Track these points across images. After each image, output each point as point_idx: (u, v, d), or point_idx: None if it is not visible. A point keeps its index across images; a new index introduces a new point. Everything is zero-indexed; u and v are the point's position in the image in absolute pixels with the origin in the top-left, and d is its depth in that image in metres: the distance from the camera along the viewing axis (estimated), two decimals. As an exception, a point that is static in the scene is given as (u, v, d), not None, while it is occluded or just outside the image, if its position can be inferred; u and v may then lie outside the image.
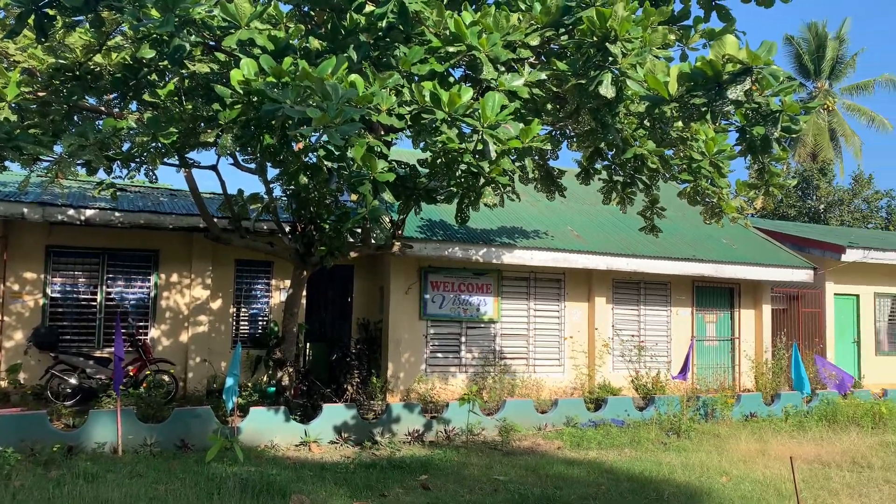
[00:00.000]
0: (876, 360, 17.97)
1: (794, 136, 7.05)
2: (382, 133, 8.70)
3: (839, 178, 37.40)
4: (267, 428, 9.68)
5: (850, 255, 17.00)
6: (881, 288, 18.41)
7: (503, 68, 7.45)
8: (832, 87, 39.17)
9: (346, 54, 7.07)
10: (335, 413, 10.08)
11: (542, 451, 10.03)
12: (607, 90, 6.51)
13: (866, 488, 8.16)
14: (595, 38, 6.59)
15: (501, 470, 8.70)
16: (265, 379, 12.70)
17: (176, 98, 8.57)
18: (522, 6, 7.69)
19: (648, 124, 8.55)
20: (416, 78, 7.21)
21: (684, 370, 13.01)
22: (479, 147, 6.65)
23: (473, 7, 8.36)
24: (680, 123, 8.64)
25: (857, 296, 18.09)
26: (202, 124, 8.09)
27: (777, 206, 33.77)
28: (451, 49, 7.10)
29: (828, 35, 37.98)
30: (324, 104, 5.46)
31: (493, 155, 6.68)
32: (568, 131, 10.73)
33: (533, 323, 14.56)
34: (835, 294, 17.77)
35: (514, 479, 8.23)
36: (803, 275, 16.22)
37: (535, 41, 7.41)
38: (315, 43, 7.72)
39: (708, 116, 6.83)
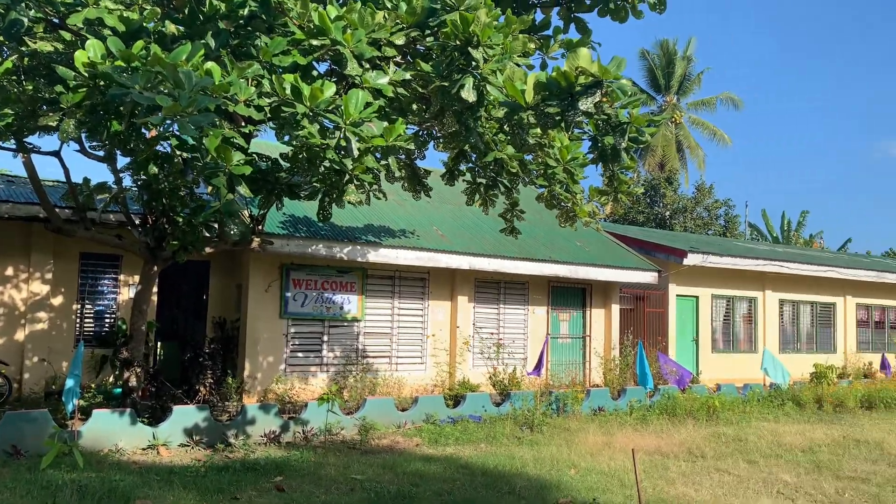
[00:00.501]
0: (712, 357, 19.41)
1: (641, 146, 7.45)
2: (243, 124, 8.42)
3: (684, 187, 40.10)
4: (111, 431, 9.11)
5: (691, 259, 18.26)
6: (718, 290, 19.90)
7: (368, 65, 7.41)
8: (680, 101, 41.92)
9: (203, 41, 6.78)
10: (186, 415, 9.65)
11: (401, 448, 10.07)
12: (469, 94, 6.62)
13: (699, 476, 8.78)
14: (458, 42, 6.69)
15: (359, 469, 8.65)
16: (111, 380, 11.97)
17: (14, 77, 7.89)
18: (388, 5, 7.68)
19: (508, 129, 8.78)
20: (279, 70, 7.03)
21: (539, 366, 13.49)
22: (342, 144, 6.57)
23: (339, 1, 8.26)
24: (538, 130, 8.94)
25: (697, 297, 19.46)
26: (43, 106, 7.50)
27: (627, 211, 35.74)
28: (314, 42, 6.98)
29: (677, 52, 40.63)
30: (175, 92, 5.20)
31: (356, 152, 6.63)
32: (434, 132, 10.82)
33: (397, 321, 14.60)
34: (677, 295, 19.01)
35: (371, 478, 8.20)
36: (649, 277, 17.23)
37: (400, 40, 7.42)
38: (171, 27, 7.34)
39: (563, 125, 7.10)
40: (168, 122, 5.81)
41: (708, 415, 13.14)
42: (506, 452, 9.77)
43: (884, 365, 20.62)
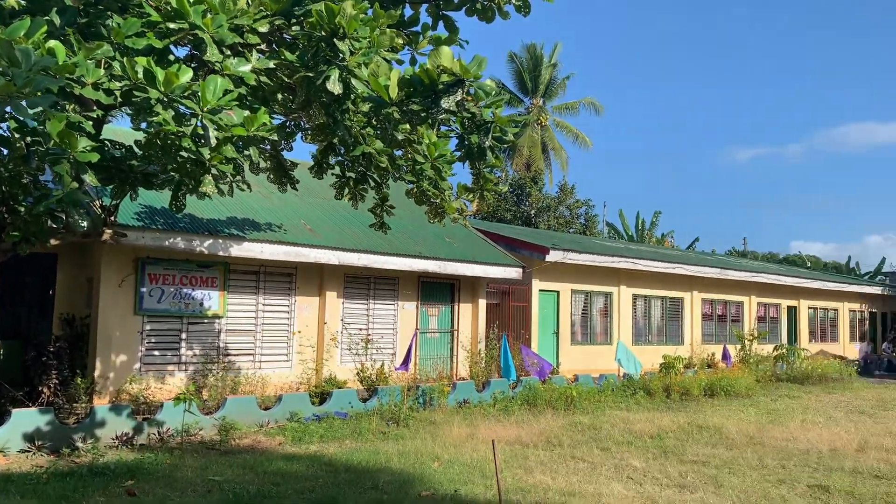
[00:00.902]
0: (571, 349, 20.23)
1: (505, 145, 7.60)
2: (94, 109, 7.87)
3: (548, 186, 41.53)
4: (-64, 440, 8.30)
5: (553, 256, 18.94)
6: (577, 285, 20.75)
7: (229, 52, 7.13)
8: (546, 104, 43.36)
9: (47, 17, 6.27)
10: (27, 418, 8.95)
11: (263, 448, 9.81)
12: (334, 86, 6.51)
13: (556, 464, 9.11)
14: (324, 33, 6.56)
15: (218, 470, 8.35)
16: (-61, 383, 10.89)
17: None
18: (252, -9, 7.41)
19: (377, 124, 8.72)
20: (133, 53, 6.61)
21: (406, 361, 13.54)
22: (199, 132, 6.28)
23: (200, -16, 7.88)
24: (407, 126, 8.94)
25: (558, 292, 20.20)
26: None
27: (495, 209, 36.58)
28: (172, 25, 6.62)
29: (543, 57, 41.99)
30: (10, 70, 4.77)
31: (214, 141, 6.35)
32: (302, 123, 10.59)
33: (261, 318, 14.19)
34: (540, 290, 19.66)
35: (230, 479, 7.93)
36: (514, 272, 17.71)
37: (264, 28, 7.19)
38: (11, 1, 6.74)
39: (429, 122, 7.13)
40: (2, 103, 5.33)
41: (566, 404, 13.68)
42: (371, 448, 9.74)
43: (725, 355, 22.26)
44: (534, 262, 19.20)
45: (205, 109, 6.19)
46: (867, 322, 33.51)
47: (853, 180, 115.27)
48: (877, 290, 33.60)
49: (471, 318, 17.69)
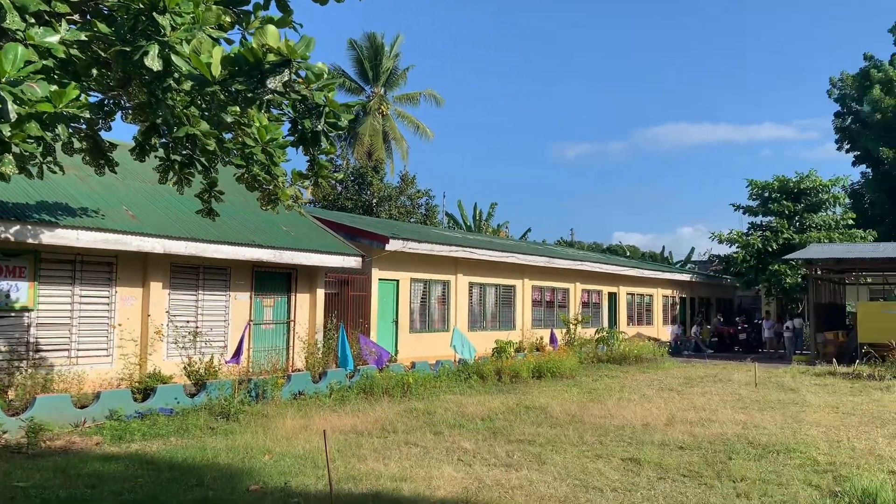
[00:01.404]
0: (409, 337, 20.46)
1: (340, 131, 7.50)
2: None
3: (390, 176, 41.70)
4: None
5: (393, 245, 19.04)
6: (417, 274, 21.01)
7: (34, 20, 6.49)
8: (387, 94, 43.42)
9: None
10: None
11: (79, 449, 9.11)
12: (153, 62, 6.10)
13: (390, 450, 9.18)
14: (142, 5, 6.12)
15: (23, 475, 7.64)
16: None
17: None
18: (61, -45, 6.79)
19: (203, 104, 8.29)
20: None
21: (238, 354, 13.10)
22: (-3, 105, 5.66)
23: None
24: (237, 108, 8.57)
25: (398, 281, 20.35)
26: None
27: (336, 197, 36.22)
28: (-38, -14, 5.91)
29: (384, 46, 41.97)
30: None
31: (14, 116, 5.75)
32: (123, 102, 9.86)
33: (78, 311, 13.14)
34: (379, 279, 19.71)
35: (38, 484, 7.29)
36: (353, 261, 17.61)
37: (74, -5, 6.60)
38: None
39: (259, 104, 6.88)
40: None
41: (402, 391, 13.81)
42: (197, 444, 9.33)
43: (552, 339, 23.47)
44: (374, 252, 19.20)
45: (2, 80, 5.59)
46: (678, 307, 36.56)
47: (668, 176, 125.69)
48: (686, 277, 36.75)
49: (308, 308, 17.40)
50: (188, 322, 14.73)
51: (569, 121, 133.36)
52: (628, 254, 59.07)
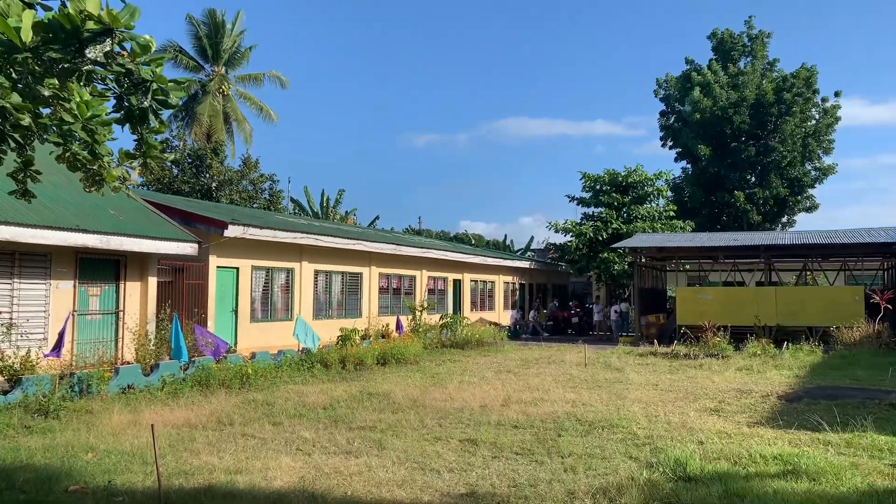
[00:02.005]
0: (250, 327, 19.88)
1: (170, 109, 7.08)
2: None
3: (231, 159, 40.17)
4: None
5: (232, 231, 18.37)
6: (259, 262, 20.42)
7: None
8: (228, 73, 41.73)
9: None
10: None
11: None
12: (-50, 24, 5.46)
13: (225, 443, 8.89)
14: (-64, -41, 5.47)
15: None
16: None
17: None
18: None
19: (15, 75, 7.56)
20: None
21: (58, 347, 12.19)
22: None
23: None
24: (55, 81, 7.89)
25: (238, 268, 19.68)
26: None
27: (172, 180, 34.41)
28: None
29: (225, 24, 40.27)
30: None
31: None
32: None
33: None
34: (218, 267, 18.96)
35: None
36: (189, 248, 16.82)
37: None
38: None
39: (80, 77, 6.35)
40: None
41: (241, 383, 13.41)
42: (10, 445, 8.57)
43: (398, 326, 23.67)
44: (212, 238, 18.44)
45: None
46: (518, 293, 38.07)
47: (511, 167, 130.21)
48: (526, 264, 38.33)
49: (139, 297, 16.44)
50: (1, 313, 13.46)
51: (417, 110, 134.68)
52: (473, 242, 60.66)
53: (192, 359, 14.47)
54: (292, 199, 46.50)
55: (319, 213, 46.49)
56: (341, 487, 7.01)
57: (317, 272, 22.68)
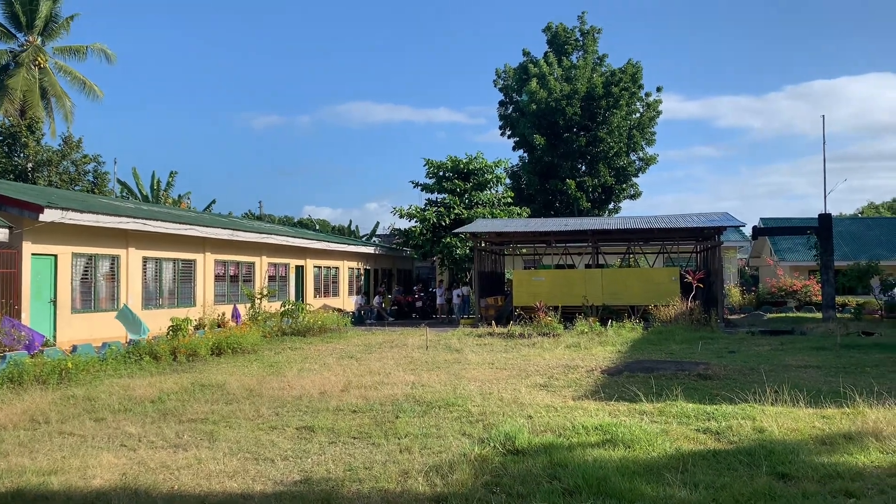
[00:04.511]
0: (71, 318, 18.49)
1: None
2: None
3: (50, 138, 37.00)
4: None
5: (49, 215, 16.96)
6: (81, 248, 19.00)
7: None
8: (45, 44, 38.34)
9: None
10: None
11: None
12: None
13: (39, 443, 8.23)
14: None
15: None
16: None
17: None
18: None
19: None
20: None
21: None
22: None
23: None
24: None
25: (56, 256, 18.21)
26: None
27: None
28: None
29: (41, -11, 36.93)
30: None
31: None
32: None
33: None
34: (33, 254, 17.46)
35: None
36: (-2, 234, 15.35)
37: None
38: None
39: None
40: None
41: (60, 378, 12.47)
42: None
43: (235, 314, 22.94)
44: (25, 223, 16.96)
45: None
46: (363, 278, 38.04)
47: (356, 152, 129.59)
48: (371, 249, 38.37)
49: (-63, 287, 14.80)
50: None
51: (255, 91, 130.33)
52: (318, 227, 59.84)
53: (3, 354, 13.25)
54: (119, 182, 43.65)
55: (150, 196, 43.92)
56: (168, 482, 6.71)
57: (146, 259, 21.45)
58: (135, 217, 20.37)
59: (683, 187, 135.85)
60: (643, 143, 46.75)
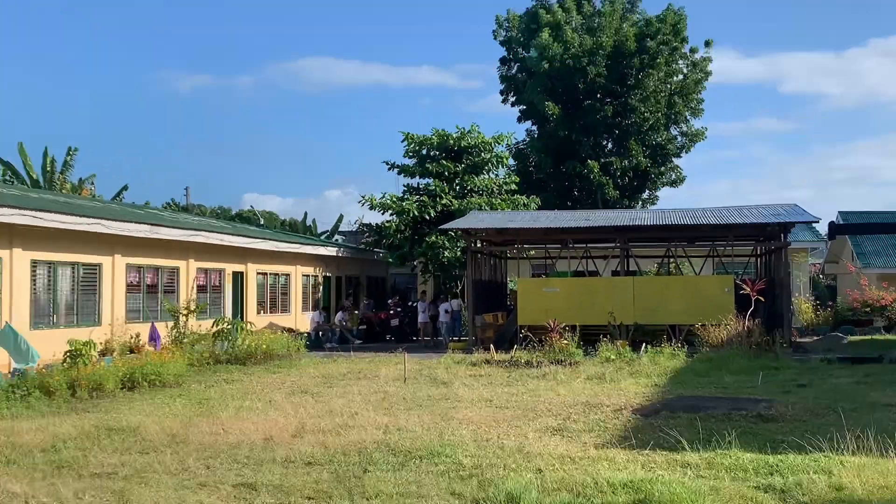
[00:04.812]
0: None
1: None
2: None
3: None
4: None
5: None
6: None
7: None
8: None
9: None
10: None
11: None
12: None
13: None
14: None
15: None
16: None
17: None
18: None
19: None
20: None
21: None
22: None
23: None
24: None
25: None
26: None
27: None
28: None
29: None
30: None
31: None
32: None
33: None
34: None
35: None
36: None
37: None
38: None
39: None
40: None
41: None
42: None
43: (153, 336, 22.88)
44: None
45: None
46: (321, 288, 38.01)
47: (312, 124, 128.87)
48: (333, 251, 38.40)
49: None
50: None
51: (181, 41, 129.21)
52: (262, 222, 59.83)
53: None
54: (2, 162, 43.43)
55: (41, 180, 43.75)
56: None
57: (35, 263, 21.36)
58: (20, 208, 20.26)
59: (739, 171, 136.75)
60: (687, 113, 47.04)
